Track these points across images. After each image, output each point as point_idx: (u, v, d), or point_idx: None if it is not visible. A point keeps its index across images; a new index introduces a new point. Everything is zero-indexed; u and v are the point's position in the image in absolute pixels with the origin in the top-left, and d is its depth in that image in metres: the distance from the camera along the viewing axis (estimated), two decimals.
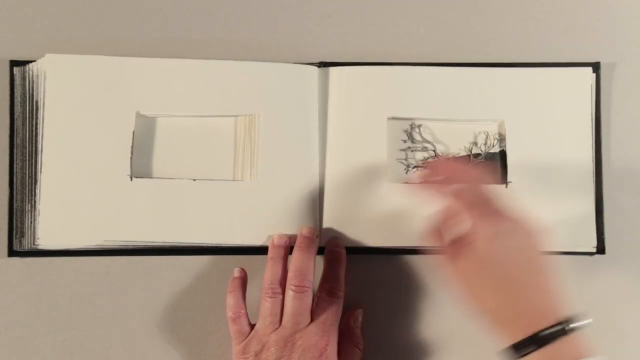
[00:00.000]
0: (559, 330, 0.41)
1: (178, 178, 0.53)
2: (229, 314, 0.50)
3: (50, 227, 0.52)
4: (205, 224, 0.53)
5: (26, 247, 0.53)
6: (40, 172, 0.53)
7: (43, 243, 0.52)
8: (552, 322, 0.42)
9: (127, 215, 0.52)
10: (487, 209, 0.45)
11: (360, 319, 0.52)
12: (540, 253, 0.45)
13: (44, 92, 0.53)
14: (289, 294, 0.49)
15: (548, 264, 0.44)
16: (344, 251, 0.53)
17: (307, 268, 0.50)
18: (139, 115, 0.54)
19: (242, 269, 0.52)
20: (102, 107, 0.53)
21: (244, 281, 0.52)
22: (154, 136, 0.55)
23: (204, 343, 0.54)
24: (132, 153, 0.53)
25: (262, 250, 0.53)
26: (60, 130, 0.53)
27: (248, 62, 0.55)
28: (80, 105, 0.53)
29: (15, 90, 0.54)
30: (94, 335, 0.53)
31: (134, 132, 0.53)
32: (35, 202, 0.53)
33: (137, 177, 0.53)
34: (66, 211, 0.52)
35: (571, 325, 0.41)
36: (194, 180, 0.53)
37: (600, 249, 0.55)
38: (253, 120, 0.54)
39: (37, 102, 0.54)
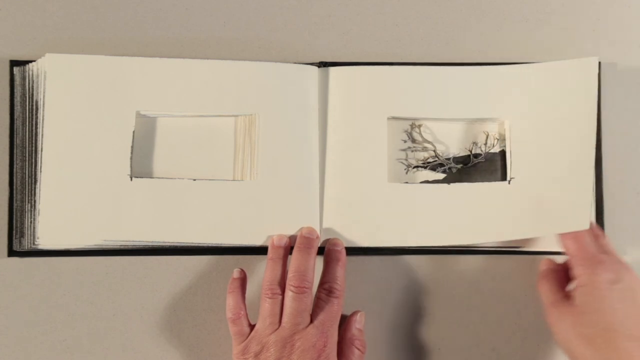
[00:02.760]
0: None
1: (178, 178, 0.53)
2: (229, 315, 0.50)
3: (50, 227, 0.52)
4: (205, 224, 0.53)
5: (26, 247, 0.53)
6: (40, 172, 0.52)
7: (43, 243, 0.52)
8: None
9: (127, 215, 0.52)
10: (593, 258, 0.48)
11: (362, 321, 0.52)
12: None
13: (44, 92, 0.53)
14: (289, 294, 0.49)
15: None
16: (343, 251, 0.53)
17: (307, 268, 0.50)
18: (139, 115, 0.54)
19: (242, 270, 0.52)
20: (102, 107, 0.53)
21: (243, 282, 0.52)
22: (154, 136, 0.55)
23: (204, 343, 0.54)
24: (132, 153, 0.53)
25: (262, 250, 0.53)
26: (60, 130, 0.53)
27: (248, 62, 0.55)
28: (80, 105, 0.53)
29: (15, 90, 0.54)
30: (94, 335, 0.53)
31: (134, 132, 0.53)
32: (35, 202, 0.53)
33: (137, 177, 0.53)
34: (66, 211, 0.52)
35: None
36: (194, 180, 0.53)
37: None
38: (253, 120, 0.54)
39: (37, 102, 0.54)
